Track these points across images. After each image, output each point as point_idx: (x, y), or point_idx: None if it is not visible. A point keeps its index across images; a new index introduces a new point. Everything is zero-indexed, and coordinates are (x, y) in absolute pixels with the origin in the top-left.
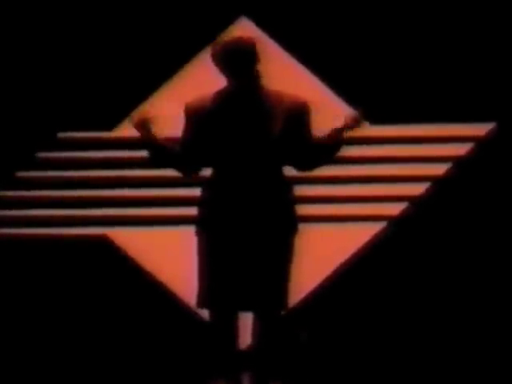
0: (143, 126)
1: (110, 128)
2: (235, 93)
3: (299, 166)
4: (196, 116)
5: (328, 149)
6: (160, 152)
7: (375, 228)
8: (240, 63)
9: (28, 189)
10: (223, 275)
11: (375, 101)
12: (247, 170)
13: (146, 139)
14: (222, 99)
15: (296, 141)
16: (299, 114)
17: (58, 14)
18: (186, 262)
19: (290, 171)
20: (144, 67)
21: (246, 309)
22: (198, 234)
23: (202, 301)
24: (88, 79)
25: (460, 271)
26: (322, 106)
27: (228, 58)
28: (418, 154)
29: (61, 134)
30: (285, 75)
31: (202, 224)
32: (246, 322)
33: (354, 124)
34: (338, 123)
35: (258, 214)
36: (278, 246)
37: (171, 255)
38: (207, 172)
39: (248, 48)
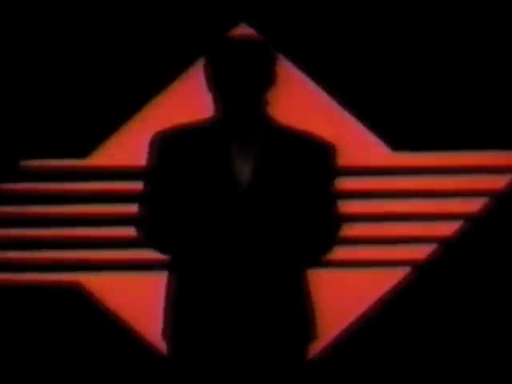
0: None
1: (83, 155)
2: (229, 126)
3: (307, 248)
4: (170, 152)
5: None
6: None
7: (397, 275)
8: (241, 79)
9: None
10: None
11: (396, 122)
12: (241, 244)
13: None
14: (209, 133)
15: (310, 205)
16: (320, 164)
17: (23, 24)
18: None
19: None
20: (127, 80)
21: None
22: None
23: None
24: (56, 97)
25: (494, 326)
26: (332, 123)
27: (224, 69)
28: (448, 187)
29: (23, 163)
30: (288, 89)
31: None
32: None
33: None
34: None
35: (262, 325)
36: (290, 360)
37: (154, 305)
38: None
39: (261, 57)
